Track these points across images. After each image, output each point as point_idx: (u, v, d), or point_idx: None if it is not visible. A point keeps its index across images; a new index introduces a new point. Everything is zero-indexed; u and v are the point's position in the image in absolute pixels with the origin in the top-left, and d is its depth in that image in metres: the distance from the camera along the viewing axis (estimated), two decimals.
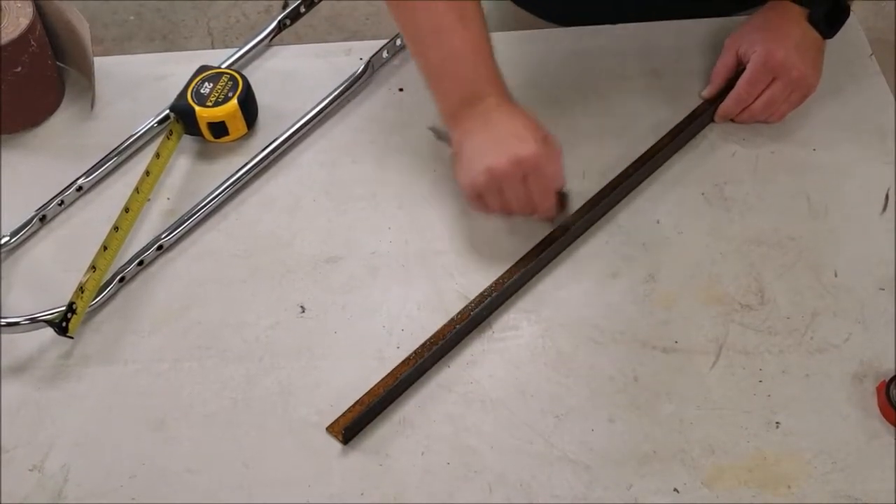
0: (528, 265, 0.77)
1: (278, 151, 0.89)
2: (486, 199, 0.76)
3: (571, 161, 0.86)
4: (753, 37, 0.85)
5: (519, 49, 0.96)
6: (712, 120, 0.89)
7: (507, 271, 0.77)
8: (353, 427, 0.70)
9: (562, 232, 0.79)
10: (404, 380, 0.72)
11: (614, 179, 0.82)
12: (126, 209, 0.82)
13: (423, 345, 0.74)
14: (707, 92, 0.89)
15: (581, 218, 0.80)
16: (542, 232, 0.80)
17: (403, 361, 0.73)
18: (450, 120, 0.78)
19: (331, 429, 0.71)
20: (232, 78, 0.89)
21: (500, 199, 0.76)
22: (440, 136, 0.82)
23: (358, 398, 0.71)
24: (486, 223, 0.82)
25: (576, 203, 0.80)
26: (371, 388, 0.71)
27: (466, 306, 0.76)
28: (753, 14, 0.88)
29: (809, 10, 0.84)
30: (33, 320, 0.75)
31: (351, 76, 0.93)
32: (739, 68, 0.87)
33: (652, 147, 0.85)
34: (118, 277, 0.80)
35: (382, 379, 0.72)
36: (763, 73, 0.84)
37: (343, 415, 0.71)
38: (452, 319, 0.75)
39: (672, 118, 0.88)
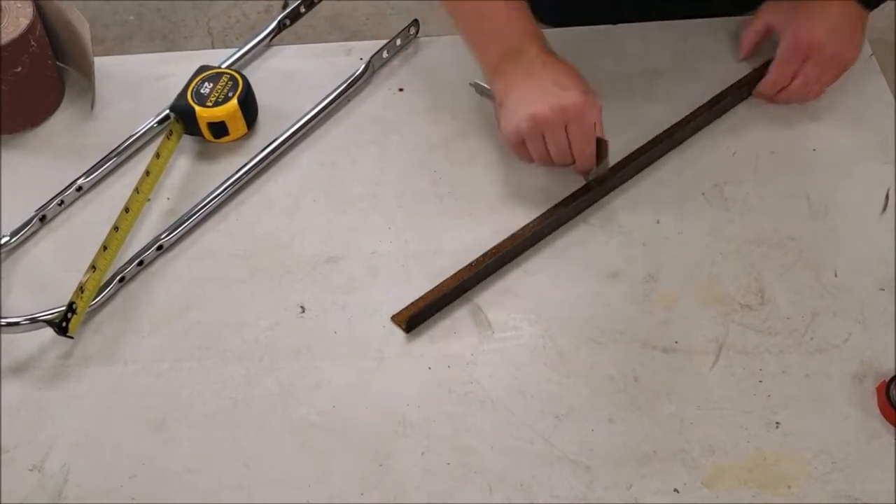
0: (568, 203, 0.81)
1: (278, 151, 0.89)
2: (527, 145, 0.79)
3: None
4: (787, 12, 0.85)
5: None
6: (749, 94, 0.89)
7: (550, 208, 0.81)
8: (416, 317, 0.75)
9: (597, 184, 0.81)
10: (466, 281, 0.77)
11: (657, 136, 0.85)
12: (126, 209, 0.82)
13: (484, 254, 0.78)
14: (742, 55, 0.91)
15: (631, 163, 0.83)
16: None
17: (465, 267, 0.78)
18: (492, 74, 0.80)
19: (395, 318, 0.76)
20: (232, 78, 0.89)
21: (541, 147, 0.78)
22: (482, 91, 0.85)
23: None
24: (487, 224, 0.82)
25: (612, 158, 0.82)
26: (435, 287, 0.77)
27: (527, 225, 0.80)
28: None
29: None
30: (33, 320, 0.75)
31: (351, 76, 0.93)
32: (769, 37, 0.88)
33: (692, 113, 0.87)
34: (118, 277, 0.80)
35: (444, 280, 0.77)
36: (795, 53, 0.84)
37: (407, 308, 0.76)
38: (513, 235, 0.79)
39: (672, 118, 0.88)
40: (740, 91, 0.89)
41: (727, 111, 0.89)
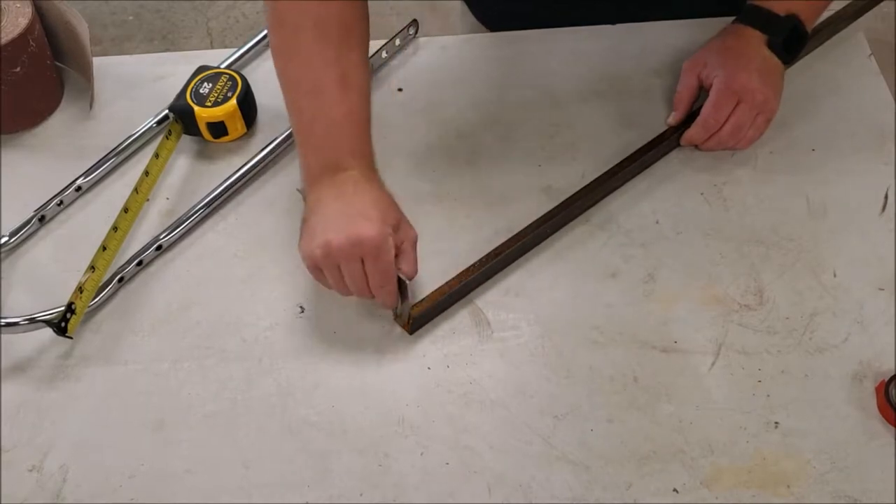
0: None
1: (277, 151, 0.89)
2: (323, 274, 0.72)
3: (570, 162, 0.86)
4: (714, 60, 0.84)
5: (518, 49, 0.96)
6: (678, 145, 0.87)
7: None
8: (420, 319, 0.75)
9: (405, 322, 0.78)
10: (469, 282, 0.77)
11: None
12: (125, 209, 0.82)
13: (486, 255, 0.78)
14: (673, 118, 0.87)
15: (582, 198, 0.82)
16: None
17: (468, 268, 0.77)
18: (308, 183, 0.74)
19: (399, 319, 0.76)
20: (231, 78, 0.89)
21: (336, 277, 0.72)
22: (305, 197, 0.80)
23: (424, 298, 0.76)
24: (486, 223, 0.82)
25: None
26: (438, 288, 0.76)
27: (528, 225, 0.80)
28: (712, 38, 0.87)
29: (768, 37, 0.83)
30: (32, 320, 0.75)
31: None
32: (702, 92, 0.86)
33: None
34: (117, 277, 0.79)
35: (448, 281, 0.77)
36: (728, 96, 0.82)
37: (412, 308, 0.75)
38: (515, 236, 0.79)
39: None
40: (668, 143, 0.86)
41: None
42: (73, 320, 0.75)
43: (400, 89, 0.94)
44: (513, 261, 0.80)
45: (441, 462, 0.69)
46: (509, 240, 0.79)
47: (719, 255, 0.80)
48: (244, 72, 0.93)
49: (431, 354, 0.75)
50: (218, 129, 0.88)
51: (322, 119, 0.73)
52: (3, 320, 0.75)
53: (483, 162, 0.87)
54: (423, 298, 0.76)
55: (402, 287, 0.73)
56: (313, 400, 0.73)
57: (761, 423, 0.70)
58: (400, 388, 0.73)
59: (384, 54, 0.96)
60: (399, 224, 0.73)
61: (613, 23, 0.97)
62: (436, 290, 0.77)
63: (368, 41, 0.77)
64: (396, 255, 0.71)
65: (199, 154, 0.90)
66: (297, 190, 0.81)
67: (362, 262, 0.70)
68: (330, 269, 0.71)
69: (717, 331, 0.75)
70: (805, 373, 0.73)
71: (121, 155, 0.89)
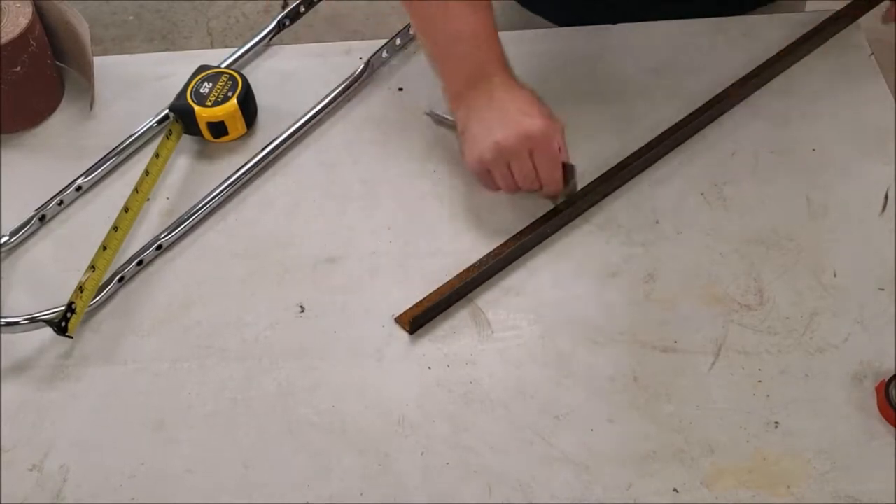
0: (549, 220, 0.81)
1: (278, 151, 0.89)
2: (493, 174, 0.78)
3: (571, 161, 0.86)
4: None
5: (519, 49, 0.96)
6: (678, 144, 0.87)
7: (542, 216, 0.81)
8: (420, 318, 0.75)
9: (566, 206, 0.81)
10: (469, 282, 0.77)
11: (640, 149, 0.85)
12: (125, 209, 0.82)
13: (487, 255, 0.79)
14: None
15: (601, 185, 0.83)
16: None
17: (468, 268, 0.78)
18: (455, 99, 0.80)
19: (399, 319, 0.76)
20: (231, 78, 0.89)
21: (506, 174, 0.78)
22: (439, 120, 0.84)
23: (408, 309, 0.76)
24: (486, 223, 0.82)
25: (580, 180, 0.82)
26: (438, 288, 0.77)
27: (528, 225, 0.80)
28: None
29: None
30: (32, 320, 0.75)
31: (350, 76, 0.93)
32: None
33: (691, 114, 0.87)
34: (117, 277, 0.80)
35: (448, 281, 0.77)
36: None
37: (410, 309, 0.76)
38: (515, 235, 0.79)
39: (672, 117, 0.88)
40: (748, 84, 0.87)
41: (727, 111, 0.89)
42: (74, 320, 0.75)
43: (400, 89, 0.94)
44: (513, 261, 0.80)
45: (441, 462, 0.69)
46: (509, 240, 0.80)
47: (719, 255, 0.80)
48: (244, 72, 0.93)
49: (431, 354, 0.75)
50: (218, 128, 0.89)
51: (458, 38, 0.78)
52: (3, 320, 0.75)
53: None
54: (423, 298, 0.76)
55: (566, 172, 0.78)
56: (313, 400, 0.73)
57: (761, 423, 0.70)
58: (400, 387, 0.73)
59: (384, 54, 0.96)
60: (550, 113, 0.77)
61: (614, 22, 0.97)
62: (436, 290, 0.77)
63: None
64: None
65: (199, 154, 0.90)
66: (427, 113, 0.87)
67: (530, 155, 0.75)
68: (500, 168, 0.77)
69: (717, 331, 0.75)
70: (805, 373, 0.73)
71: (121, 155, 0.89)
